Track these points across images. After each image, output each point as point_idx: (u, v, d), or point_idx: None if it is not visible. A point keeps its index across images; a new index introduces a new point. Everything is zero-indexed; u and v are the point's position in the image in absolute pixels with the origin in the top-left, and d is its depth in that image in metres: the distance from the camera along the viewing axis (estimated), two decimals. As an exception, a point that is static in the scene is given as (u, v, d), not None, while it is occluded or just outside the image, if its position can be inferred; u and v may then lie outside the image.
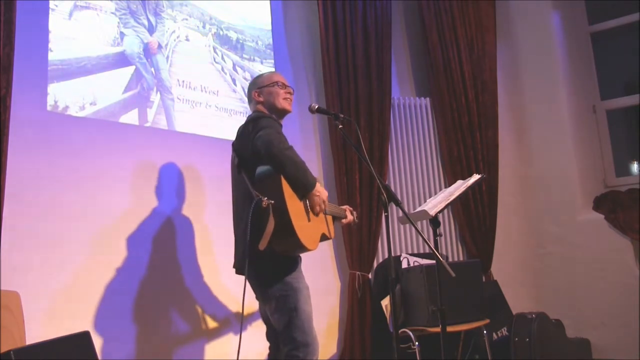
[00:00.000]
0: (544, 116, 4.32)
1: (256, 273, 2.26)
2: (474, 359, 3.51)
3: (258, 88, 2.51)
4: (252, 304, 2.53)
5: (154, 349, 2.80)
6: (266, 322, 2.46)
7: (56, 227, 2.56)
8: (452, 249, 4.17)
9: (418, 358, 2.93)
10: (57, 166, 2.62)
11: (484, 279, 3.97)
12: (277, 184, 2.15)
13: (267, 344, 2.52)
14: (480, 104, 4.31)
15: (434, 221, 2.75)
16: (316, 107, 2.50)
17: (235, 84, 3.54)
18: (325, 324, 3.65)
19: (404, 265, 3.47)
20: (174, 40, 3.24)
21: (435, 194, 3.50)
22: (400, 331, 2.98)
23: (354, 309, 3.65)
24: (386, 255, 3.12)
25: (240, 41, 3.64)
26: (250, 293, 2.35)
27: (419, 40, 4.54)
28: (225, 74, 3.50)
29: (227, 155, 2.50)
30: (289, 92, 2.52)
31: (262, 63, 3.74)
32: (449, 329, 2.74)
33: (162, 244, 2.94)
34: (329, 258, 3.80)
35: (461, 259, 4.17)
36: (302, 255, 2.38)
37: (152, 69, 3.09)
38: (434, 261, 2.88)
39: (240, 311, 2.26)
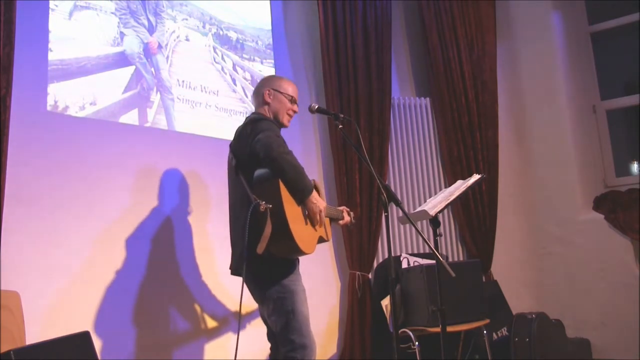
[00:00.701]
0: (544, 116, 4.32)
1: (254, 275, 2.27)
2: (474, 359, 3.51)
3: (273, 89, 2.49)
4: (251, 304, 2.52)
5: (154, 349, 2.80)
6: (266, 322, 2.46)
7: (56, 227, 2.56)
8: (452, 249, 4.18)
9: (418, 358, 2.92)
10: (57, 166, 2.62)
11: (484, 279, 3.97)
12: (275, 188, 2.15)
13: (266, 344, 2.52)
14: (480, 104, 4.31)
15: (434, 221, 2.75)
16: (316, 107, 2.50)
17: (235, 84, 3.54)
18: (325, 324, 3.65)
19: (404, 265, 3.47)
20: (174, 40, 3.24)
21: (435, 194, 3.50)
22: (400, 331, 2.98)
23: (354, 309, 3.65)
24: (386, 255, 3.12)
25: (240, 41, 3.64)
26: (248, 294, 2.35)
27: (419, 40, 4.54)
28: (225, 74, 3.50)
29: (228, 154, 2.50)
30: (294, 111, 2.53)
31: (262, 63, 3.74)
32: (449, 329, 2.74)
33: (162, 244, 2.94)
34: (329, 258, 3.80)
35: (461, 259, 4.17)
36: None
37: (152, 69, 3.09)
38: (434, 261, 2.88)
39: (239, 311, 2.26)
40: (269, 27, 3.84)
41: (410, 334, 2.98)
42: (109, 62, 2.90)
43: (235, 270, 2.35)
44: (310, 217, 2.30)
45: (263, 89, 2.50)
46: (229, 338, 3.10)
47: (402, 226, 3.99)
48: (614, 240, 3.94)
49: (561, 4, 4.40)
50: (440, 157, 4.27)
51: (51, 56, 2.68)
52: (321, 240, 2.46)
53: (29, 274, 2.43)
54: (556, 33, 4.34)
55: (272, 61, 3.80)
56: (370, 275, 3.76)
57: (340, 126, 2.39)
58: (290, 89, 2.52)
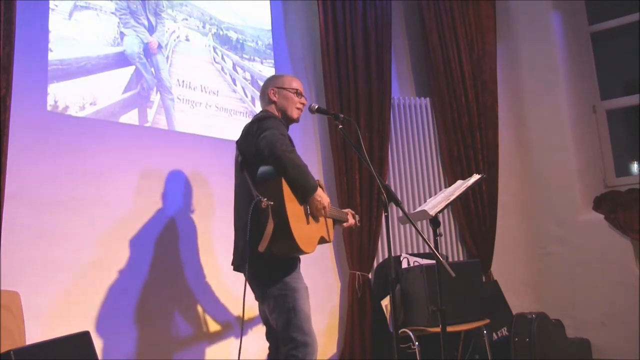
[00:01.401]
0: (544, 116, 4.32)
1: (255, 273, 2.27)
2: (474, 359, 3.51)
3: (277, 87, 2.50)
4: (253, 306, 2.53)
5: (154, 349, 2.80)
6: (265, 322, 2.46)
7: (56, 227, 2.56)
8: (452, 249, 4.18)
9: (418, 358, 2.92)
10: (57, 166, 2.62)
11: (484, 279, 3.97)
12: (277, 186, 2.15)
13: (266, 344, 2.52)
14: (480, 104, 4.31)
15: (434, 221, 2.75)
16: (316, 107, 2.51)
17: (235, 84, 3.54)
18: (325, 324, 3.65)
19: (404, 265, 3.47)
20: (174, 40, 3.24)
21: (435, 194, 3.50)
22: (400, 331, 2.98)
23: (354, 309, 3.65)
24: (386, 255, 3.12)
25: (240, 41, 3.64)
26: (250, 294, 2.35)
27: (419, 40, 4.54)
28: (225, 74, 3.50)
29: (228, 154, 2.50)
30: (303, 103, 2.53)
31: (262, 63, 3.74)
32: (449, 329, 2.74)
33: (163, 244, 2.94)
34: (329, 258, 3.80)
35: (461, 259, 4.17)
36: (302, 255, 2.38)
37: (152, 69, 3.10)
38: (434, 261, 2.89)
39: (241, 312, 2.26)
40: (269, 27, 3.84)
41: (410, 334, 2.98)
42: (109, 62, 2.90)
43: (237, 266, 2.36)
44: (312, 214, 2.30)
45: (267, 90, 2.51)
46: (230, 339, 3.10)
47: (402, 226, 3.99)
48: (614, 240, 3.94)
49: (561, 4, 4.40)
50: (440, 157, 4.27)
51: (51, 56, 2.69)
52: (323, 240, 2.46)
53: (29, 274, 2.43)
54: (556, 33, 4.34)
55: (272, 61, 3.80)
56: (370, 275, 3.76)
57: (340, 126, 2.40)
58: (294, 83, 2.54)
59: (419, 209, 2.86)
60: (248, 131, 2.36)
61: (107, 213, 2.76)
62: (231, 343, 3.08)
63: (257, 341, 2.64)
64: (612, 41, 4.47)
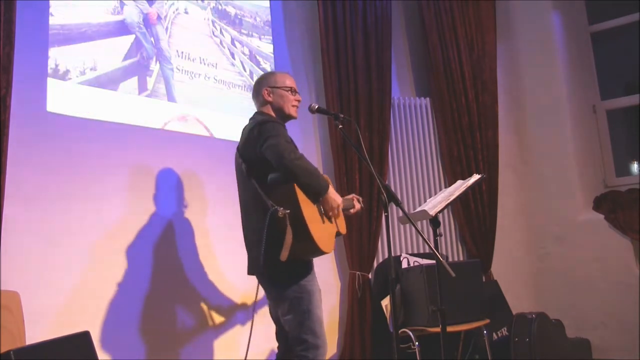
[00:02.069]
0: (544, 116, 4.33)
1: (271, 277, 2.28)
2: (474, 359, 3.51)
3: (270, 87, 2.48)
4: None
5: (154, 349, 2.80)
6: (277, 322, 2.45)
7: (56, 227, 2.56)
8: (452, 249, 4.18)
9: (418, 358, 2.92)
10: (57, 166, 2.62)
11: (484, 279, 3.97)
12: (291, 192, 2.17)
13: (269, 344, 2.52)
14: (480, 104, 4.31)
15: (434, 221, 2.75)
16: (316, 107, 2.50)
17: (233, 57, 3.55)
18: (325, 323, 3.63)
19: (404, 265, 3.47)
20: (173, 12, 3.26)
21: (435, 194, 3.50)
22: (400, 331, 2.98)
23: (354, 309, 3.65)
24: (386, 255, 3.12)
25: (239, 17, 3.64)
26: (260, 291, 2.36)
27: (419, 40, 4.54)
28: (224, 47, 3.51)
29: (226, 155, 2.50)
30: (298, 100, 2.51)
31: (260, 39, 3.74)
32: (449, 329, 2.74)
33: (164, 243, 2.94)
34: (329, 258, 3.79)
35: (461, 259, 4.17)
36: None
37: (152, 39, 3.12)
38: (434, 261, 2.89)
39: (245, 309, 2.26)
40: (267, 4, 3.85)
41: (410, 334, 2.98)
42: (109, 30, 2.92)
43: (253, 272, 2.35)
44: (325, 212, 2.31)
45: (261, 90, 2.49)
46: (231, 338, 3.10)
47: (402, 226, 3.99)
48: (614, 240, 3.94)
49: (561, 4, 4.40)
50: (440, 157, 4.27)
51: (52, 20, 2.70)
52: (338, 234, 2.49)
53: (29, 274, 2.43)
54: (556, 33, 4.34)
55: (271, 37, 3.81)
56: (370, 275, 3.76)
57: (340, 126, 2.39)
58: (287, 80, 2.51)
59: (419, 209, 2.86)
60: (248, 137, 2.33)
61: (108, 212, 2.76)
62: (233, 342, 3.08)
63: (263, 342, 2.63)
64: (612, 41, 4.47)
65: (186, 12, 3.34)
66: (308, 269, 2.34)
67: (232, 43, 3.55)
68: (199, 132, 3.26)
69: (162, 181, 3.01)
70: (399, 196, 3.89)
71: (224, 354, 3.03)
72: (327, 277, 3.75)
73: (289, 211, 2.12)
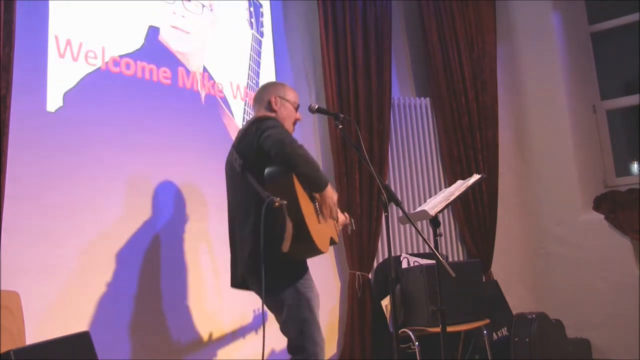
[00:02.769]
0: (544, 116, 4.33)
1: (267, 280, 2.16)
2: (474, 359, 3.51)
3: (280, 97, 2.45)
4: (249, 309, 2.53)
5: (155, 349, 2.80)
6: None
7: (56, 227, 2.56)
8: (452, 249, 4.18)
9: (418, 358, 2.93)
10: (57, 166, 2.62)
11: (484, 279, 3.97)
12: (289, 183, 2.07)
13: (268, 344, 2.51)
14: (480, 104, 4.31)
15: (434, 221, 2.75)
16: (316, 107, 2.49)
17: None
18: (325, 324, 3.64)
19: (404, 265, 3.47)
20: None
21: (435, 194, 3.50)
22: (400, 331, 2.98)
23: (354, 309, 3.65)
24: (386, 255, 3.12)
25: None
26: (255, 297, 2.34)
27: (419, 40, 4.54)
28: None
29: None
30: (298, 119, 2.51)
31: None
32: (449, 329, 2.74)
33: (164, 242, 2.94)
34: (329, 258, 3.79)
35: (461, 259, 4.17)
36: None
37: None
38: (434, 261, 2.89)
39: (238, 314, 2.25)
40: (267, 4, 3.83)
41: (410, 334, 2.98)
42: None
43: (243, 274, 2.27)
44: (321, 209, 2.23)
45: (269, 96, 2.45)
46: (228, 339, 3.10)
47: (402, 226, 3.99)
48: (614, 240, 3.94)
49: (561, 4, 4.41)
50: (440, 157, 4.27)
51: (52, 21, 2.68)
52: (332, 241, 2.40)
53: (29, 274, 2.43)
54: (556, 33, 4.34)
55: (271, 37, 3.79)
56: (370, 275, 3.76)
57: (340, 126, 2.38)
58: (294, 96, 2.50)
59: (419, 209, 2.86)
60: (246, 132, 2.29)
61: (108, 212, 2.76)
62: (230, 343, 3.08)
63: (255, 343, 2.64)
64: (612, 41, 4.47)
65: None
66: (304, 270, 2.27)
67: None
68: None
69: (166, 182, 3.01)
70: (399, 196, 3.90)
71: (222, 354, 3.03)
72: (327, 277, 3.75)
73: (285, 202, 2.02)
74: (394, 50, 4.23)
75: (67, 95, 2.71)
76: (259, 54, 3.74)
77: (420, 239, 4.00)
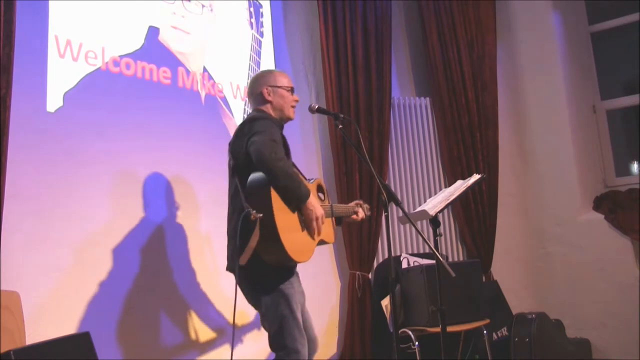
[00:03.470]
0: (544, 116, 4.33)
1: (247, 279, 2.25)
2: (474, 359, 3.51)
3: (270, 86, 2.44)
4: (247, 311, 2.52)
5: (155, 350, 2.80)
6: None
7: (56, 227, 2.56)
8: (452, 249, 4.18)
9: (418, 358, 2.93)
10: (57, 166, 2.62)
11: (484, 279, 3.98)
12: (266, 197, 2.11)
13: (262, 347, 2.51)
14: (480, 104, 4.31)
15: (434, 221, 2.75)
16: (316, 107, 2.49)
17: None
18: (325, 324, 3.65)
19: (404, 265, 3.47)
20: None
21: (435, 194, 3.50)
22: (400, 331, 2.98)
23: (354, 309, 3.65)
24: (386, 255, 3.12)
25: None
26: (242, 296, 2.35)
27: (419, 40, 4.54)
28: None
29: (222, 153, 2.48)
30: (296, 100, 2.50)
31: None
32: (449, 329, 2.74)
33: (163, 243, 2.94)
34: (329, 258, 3.80)
35: (461, 259, 4.17)
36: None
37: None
38: (434, 261, 2.89)
39: (237, 314, 2.25)
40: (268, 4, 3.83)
41: (410, 334, 2.98)
42: None
43: (230, 269, 2.34)
44: (306, 224, 2.25)
45: (260, 88, 2.45)
46: (226, 339, 3.10)
47: (402, 226, 3.99)
48: (614, 240, 3.94)
49: (561, 4, 4.41)
50: (440, 157, 4.27)
51: (51, 22, 2.68)
52: (323, 242, 2.43)
53: (29, 274, 2.43)
54: (556, 33, 4.34)
55: (271, 37, 3.80)
56: (370, 275, 3.76)
57: (340, 126, 2.38)
58: (285, 80, 2.49)
59: (419, 209, 2.86)
60: (240, 131, 2.31)
61: (108, 212, 2.76)
62: (228, 342, 3.08)
63: (251, 345, 2.64)
64: (612, 41, 4.47)
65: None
66: (287, 273, 2.28)
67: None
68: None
69: (165, 182, 3.01)
70: (399, 196, 3.90)
71: (221, 354, 3.03)
72: (327, 277, 3.75)
73: (261, 215, 2.07)
74: (394, 50, 4.24)
75: (67, 95, 2.71)
76: (259, 54, 3.74)
77: (420, 239, 4.00)
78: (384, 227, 3.71)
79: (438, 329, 2.69)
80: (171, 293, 2.95)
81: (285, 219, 2.15)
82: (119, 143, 2.87)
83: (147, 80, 3.05)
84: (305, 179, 2.44)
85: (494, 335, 3.63)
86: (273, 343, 2.24)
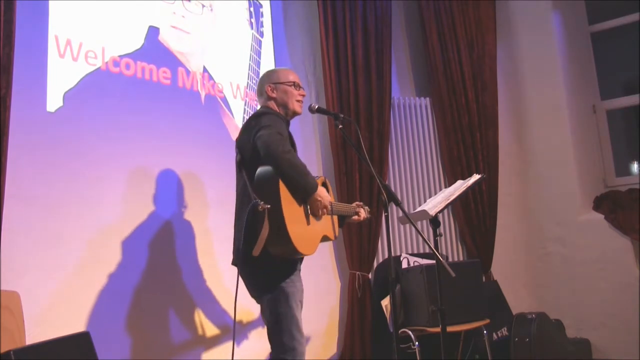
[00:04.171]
0: (544, 116, 4.33)
1: (251, 273, 2.27)
2: (474, 359, 3.51)
3: (273, 83, 2.48)
4: (251, 308, 2.52)
5: (153, 349, 2.80)
6: None
7: (56, 227, 2.56)
8: (452, 249, 4.18)
9: (418, 358, 2.93)
10: (57, 166, 2.62)
11: (484, 279, 3.98)
12: (274, 188, 2.13)
13: (263, 344, 2.51)
14: (480, 104, 4.31)
15: (434, 221, 2.75)
16: (316, 107, 2.50)
17: None
18: (325, 324, 3.65)
19: (404, 265, 3.47)
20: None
21: (435, 194, 3.50)
22: (400, 331, 2.98)
23: (354, 309, 3.65)
24: (386, 255, 3.12)
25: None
26: (246, 292, 2.35)
27: (419, 40, 4.55)
28: None
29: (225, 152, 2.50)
30: (302, 95, 2.51)
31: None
32: (449, 329, 2.74)
33: (163, 243, 2.94)
34: (329, 258, 3.80)
35: (461, 259, 4.17)
36: (302, 256, 2.37)
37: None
38: (434, 261, 2.89)
39: (241, 312, 2.25)
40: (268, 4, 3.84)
41: (410, 334, 2.98)
42: None
43: (235, 264, 2.36)
44: (312, 212, 2.28)
45: (264, 87, 2.49)
46: (229, 337, 3.10)
47: (402, 226, 3.99)
48: (614, 240, 3.94)
49: (561, 4, 4.41)
50: (440, 157, 4.27)
51: (51, 22, 2.68)
52: (326, 239, 2.45)
53: (29, 274, 2.43)
54: (556, 33, 4.35)
55: (271, 37, 3.81)
56: (370, 275, 3.76)
57: (340, 126, 2.39)
58: (290, 76, 2.51)
59: (419, 209, 2.86)
60: (246, 127, 2.34)
61: (108, 212, 2.76)
62: (229, 341, 3.08)
63: (256, 342, 2.64)
64: (612, 41, 4.47)
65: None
66: (291, 269, 2.29)
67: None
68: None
69: (165, 183, 3.01)
70: (399, 196, 3.90)
71: (221, 354, 3.03)
72: (327, 277, 3.75)
73: (269, 206, 2.08)
74: (394, 50, 4.24)
75: (67, 95, 2.71)
76: (259, 54, 3.74)
77: (420, 239, 4.00)
78: (384, 227, 3.71)
79: (438, 329, 2.69)
80: (177, 290, 2.95)
81: (292, 211, 2.17)
82: (118, 143, 2.87)
83: (147, 81, 3.05)
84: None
85: (494, 335, 3.63)
86: (271, 339, 2.26)
